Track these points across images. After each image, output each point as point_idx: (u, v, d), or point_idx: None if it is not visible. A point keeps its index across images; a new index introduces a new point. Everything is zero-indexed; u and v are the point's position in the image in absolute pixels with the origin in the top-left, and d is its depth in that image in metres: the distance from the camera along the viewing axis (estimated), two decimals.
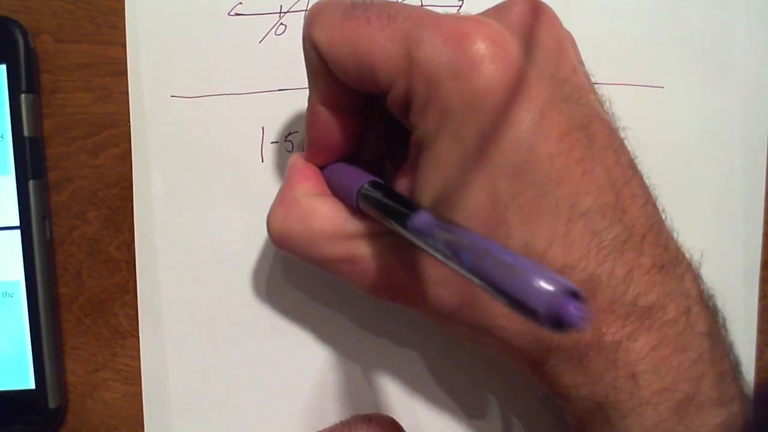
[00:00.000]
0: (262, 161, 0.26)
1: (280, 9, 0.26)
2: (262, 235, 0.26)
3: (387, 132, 0.23)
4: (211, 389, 0.26)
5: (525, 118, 0.17)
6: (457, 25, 0.17)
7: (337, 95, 0.20)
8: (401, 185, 0.20)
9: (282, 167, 0.26)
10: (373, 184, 0.20)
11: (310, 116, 0.21)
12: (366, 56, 0.18)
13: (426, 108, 0.18)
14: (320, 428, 0.26)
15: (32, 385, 0.26)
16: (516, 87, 0.17)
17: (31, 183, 0.25)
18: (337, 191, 0.22)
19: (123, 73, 0.26)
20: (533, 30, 0.18)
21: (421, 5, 0.25)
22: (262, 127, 0.26)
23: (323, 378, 0.26)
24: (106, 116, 0.26)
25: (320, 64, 0.20)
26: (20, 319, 0.26)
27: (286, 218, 0.21)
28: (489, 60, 0.17)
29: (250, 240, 0.26)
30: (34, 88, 0.26)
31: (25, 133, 0.25)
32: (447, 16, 0.18)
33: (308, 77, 0.21)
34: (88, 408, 0.27)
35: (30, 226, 0.25)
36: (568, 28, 0.21)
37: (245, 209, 0.26)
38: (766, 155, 0.26)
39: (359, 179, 0.20)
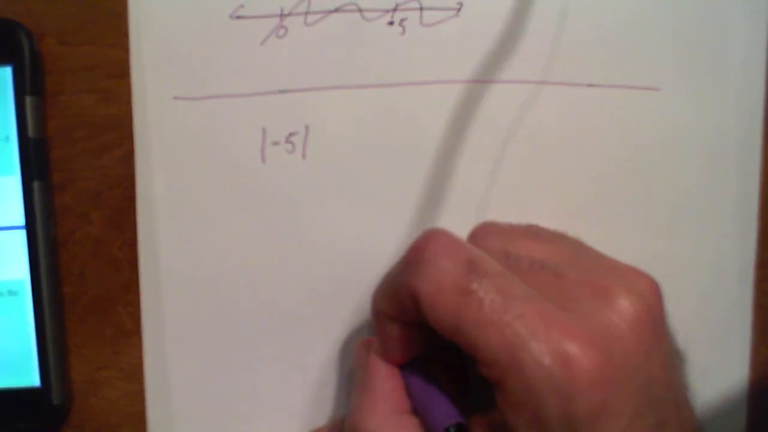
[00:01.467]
0: (264, 162, 0.26)
1: (281, 12, 0.26)
2: (263, 234, 0.26)
3: None
4: (213, 387, 0.27)
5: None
6: (564, 346, 0.17)
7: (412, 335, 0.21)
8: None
9: (283, 168, 0.26)
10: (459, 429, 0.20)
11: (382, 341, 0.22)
12: (468, 335, 0.18)
13: (519, 406, 0.18)
14: (321, 427, 0.26)
15: (37, 383, 0.26)
16: (609, 407, 0.17)
17: (35, 184, 0.26)
18: (417, 406, 0.21)
19: (126, 75, 0.26)
20: (638, 336, 0.18)
21: (421, 7, 0.26)
22: (263, 128, 0.26)
23: (325, 377, 0.27)
24: (109, 118, 0.26)
25: (413, 310, 0.20)
26: (25, 317, 0.26)
27: None
28: (594, 386, 0.17)
29: (252, 240, 0.26)
30: (38, 90, 0.26)
31: (30, 134, 0.25)
32: (559, 321, 0.18)
33: (383, 310, 0.21)
34: (92, 405, 0.27)
35: (35, 226, 0.26)
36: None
37: (247, 209, 0.26)
38: (760, 156, 0.26)
39: (446, 415, 0.20)
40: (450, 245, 0.20)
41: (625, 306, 0.18)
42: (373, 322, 0.23)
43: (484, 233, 0.23)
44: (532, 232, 0.22)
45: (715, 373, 0.26)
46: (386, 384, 0.22)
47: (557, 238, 0.22)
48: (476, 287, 0.18)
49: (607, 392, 0.17)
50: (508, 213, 0.25)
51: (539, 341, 0.17)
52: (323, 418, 0.26)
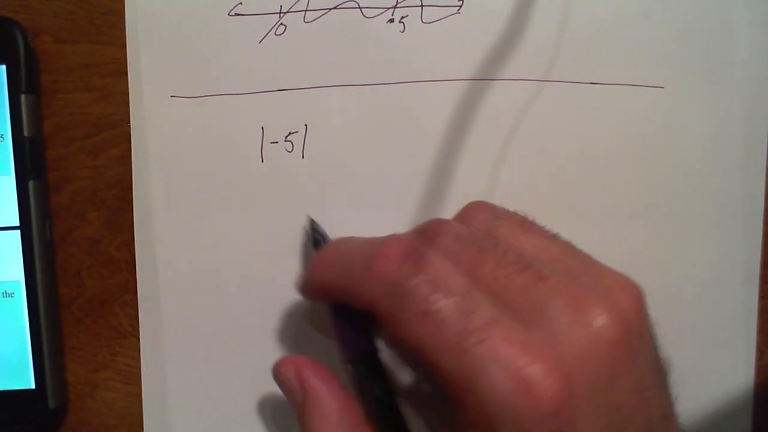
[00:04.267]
0: (262, 161, 0.26)
1: (280, 9, 0.26)
2: (261, 234, 0.26)
3: None
4: (210, 389, 0.26)
5: None
6: (526, 372, 0.17)
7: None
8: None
9: (282, 167, 0.26)
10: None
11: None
12: (427, 357, 0.18)
13: (475, 428, 0.17)
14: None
15: (32, 385, 0.26)
16: None
17: (31, 183, 0.25)
18: (336, 338, 0.22)
19: (123, 73, 0.26)
20: (609, 360, 0.18)
21: (421, 4, 0.25)
22: (262, 127, 0.26)
23: None
24: (106, 117, 0.26)
25: (364, 306, 0.19)
26: (20, 319, 0.26)
27: None
28: (552, 415, 0.16)
29: (250, 240, 0.26)
30: (34, 89, 0.26)
31: (25, 133, 0.25)
32: (524, 344, 0.17)
33: (327, 284, 0.21)
34: (88, 408, 0.27)
35: (30, 226, 0.25)
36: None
37: (245, 209, 0.26)
38: (766, 155, 0.26)
39: (361, 346, 0.21)
40: (415, 260, 0.19)
41: (600, 325, 0.18)
42: (307, 281, 0.22)
43: (477, 211, 0.22)
44: (526, 225, 0.22)
45: (720, 375, 0.26)
46: (335, 404, 0.21)
47: (549, 237, 0.21)
48: (438, 308, 0.18)
49: (565, 421, 0.17)
50: None
51: (499, 367, 0.17)
52: None
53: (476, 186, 0.26)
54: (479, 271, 0.19)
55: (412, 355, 0.18)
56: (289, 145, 0.26)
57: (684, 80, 0.26)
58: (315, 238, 0.25)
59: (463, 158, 0.26)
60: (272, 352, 0.26)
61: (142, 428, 0.27)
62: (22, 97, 0.25)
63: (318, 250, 0.24)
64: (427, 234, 0.20)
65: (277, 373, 0.22)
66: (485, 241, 0.20)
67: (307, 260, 0.26)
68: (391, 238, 0.20)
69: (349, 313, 0.21)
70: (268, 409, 0.26)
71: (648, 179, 0.26)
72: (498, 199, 0.25)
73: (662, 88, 0.26)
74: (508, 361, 0.17)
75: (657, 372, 0.19)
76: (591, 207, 0.26)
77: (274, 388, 0.26)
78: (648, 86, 0.26)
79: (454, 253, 0.19)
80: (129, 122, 0.26)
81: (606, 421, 0.17)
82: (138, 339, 0.26)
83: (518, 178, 0.26)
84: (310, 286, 0.22)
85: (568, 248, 0.21)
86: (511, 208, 0.23)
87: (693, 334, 0.26)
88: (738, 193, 0.26)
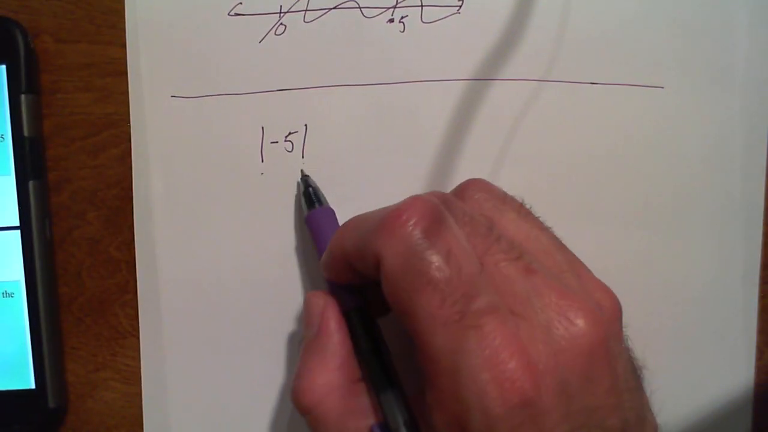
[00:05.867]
0: (262, 161, 0.26)
1: (280, 9, 0.26)
2: (261, 234, 0.26)
3: None
4: (210, 389, 0.26)
5: None
6: (505, 365, 0.17)
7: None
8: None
9: (282, 167, 0.26)
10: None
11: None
12: (418, 324, 0.18)
13: (444, 407, 0.18)
14: None
15: (32, 385, 0.26)
16: None
17: (31, 183, 0.25)
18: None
19: (123, 73, 0.26)
20: (585, 362, 0.18)
21: (421, 4, 0.25)
22: (262, 127, 0.26)
23: None
24: (106, 116, 0.26)
25: (372, 269, 0.19)
26: (20, 319, 0.26)
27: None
28: (521, 411, 0.17)
29: (250, 239, 0.26)
30: (34, 89, 0.26)
31: (25, 133, 0.25)
32: (509, 338, 0.17)
33: (345, 251, 0.21)
34: (88, 408, 0.27)
35: (30, 226, 0.25)
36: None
37: (245, 209, 0.26)
38: (766, 155, 0.26)
39: (350, 301, 0.22)
40: (434, 225, 0.18)
41: (580, 327, 0.18)
42: (328, 252, 0.22)
43: (475, 189, 0.22)
44: (523, 212, 0.21)
45: (720, 375, 0.26)
46: (340, 349, 0.21)
47: (543, 228, 0.21)
48: (444, 284, 0.17)
49: (530, 416, 0.17)
50: None
51: (483, 355, 0.17)
52: None
53: None
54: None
55: (401, 318, 0.18)
56: (289, 145, 0.26)
57: (684, 80, 0.26)
58: (308, 194, 0.25)
59: (463, 158, 0.26)
60: (272, 351, 0.26)
61: (142, 428, 0.26)
62: (22, 97, 0.25)
63: (312, 210, 0.24)
64: (448, 203, 0.20)
65: (308, 300, 0.23)
66: (480, 222, 0.19)
67: (302, 220, 0.26)
68: (413, 198, 0.19)
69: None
70: (267, 409, 0.26)
71: (648, 179, 0.26)
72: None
73: (662, 88, 0.26)
74: (493, 351, 0.17)
75: (632, 375, 0.19)
76: (591, 206, 0.26)
77: (274, 388, 0.26)
78: (648, 86, 0.26)
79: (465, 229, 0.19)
80: (129, 122, 0.26)
81: (579, 423, 0.17)
82: (138, 339, 0.26)
83: (518, 178, 0.26)
84: (329, 256, 0.22)
85: (558, 243, 0.21)
86: None
87: (693, 334, 0.26)
88: (738, 193, 0.26)
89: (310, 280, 0.26)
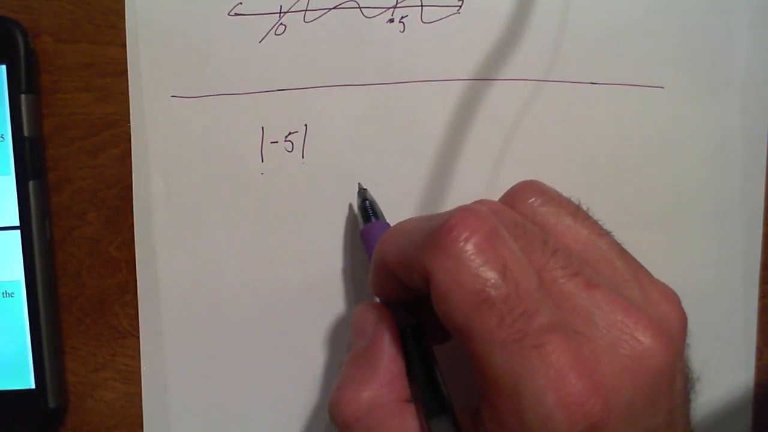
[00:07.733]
0: (262, 161, 0.26)
1: (280, 9, 0.26)
2: (261, 234, 0.26)
3: None
4: (210, 389, 0.26)
5: None
6: (572, 387, 0.16)
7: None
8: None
9: (282, 167, 0.26)
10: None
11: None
12: (475, 345, 0.17)
13: (505, 428, 0.17)
14: (319, 429, 0.26)
15: (32, 385, 0.26)
16: None
17: (31, 183, 0.25)
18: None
19: (123, 73, 0.26)
20: (650, 384, 0.17)
21: (421, 4, 0.25)
22: (262, 127, 0.26)
23: (323, 380, 0.26)
24: (106, 116, 0.26)
25: (419, 282, 0.18)
26: (20, 319, 0.26)
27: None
28: None
29: (250, 239, 0.26)
30: (34, 89, 0.26)
31: (25, 133, 0.25)
32: (574, 358, 0.16)
33: (388, 263, 0.20)
34: (88, 408, 0.27)
35: (30, 226, 0.25)
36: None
37: (245, 209, 0.26)
38: (765, 155, 0.26)
39: (404, 318, 0.21)
40: (487, 239, 0.17)
41: (647, 347, 0.17)
42: (373, 264, 0.21)
43: (527, 192, 0.20)
44: (580, 216, 0.20)
45: (720, 375, 0.26)
46: (391, 365, 0.20)
47: (601, 234, 0.20)
48: (501, 302, 0.16)
49: None
50: None
51: (548, 377, 0.16)
52: (322, 421, 0.26)
53: (476, 186, 0.26)
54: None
55: (457, 338, 0.17)
56: (289, 145, 0.26)
57: (684, 80, 0.26)
58: (364, 207, 0.24)
59: (463, 158, 0.26)
60: (272, 351, 0.26)
61: (142, 428, 0.26)
62: (22, 97, 0.25)
63: (367, 225, 0.24)
64: (500, 214, 0.18)
65: (361, 310, 0.22)
66: (534, 233, 0.18)
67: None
68: (463, 210, 0.18)
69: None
70: (267, 409, 0.26)
71: (648, 179, 0.26)
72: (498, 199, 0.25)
73: (662, 88, 0.26)
74: (558, 372, 0.16)
75: (686, 388, 0.19)
76: (590, 206, 0.26)
77: (274, 388, 0.26)
78: (648, 86, 0.26)
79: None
80: (129, 122, 0.26)
81: None
82: (138, 339, 0.26)
83: (518, 178, 0.25)
84: (376, 266, 0.21)
85: (618, 249, 0.20)
86: None
87: (693, 334, 0.26)
88: (738, 193, 0.26)
89: (310, 280, 0.26)
